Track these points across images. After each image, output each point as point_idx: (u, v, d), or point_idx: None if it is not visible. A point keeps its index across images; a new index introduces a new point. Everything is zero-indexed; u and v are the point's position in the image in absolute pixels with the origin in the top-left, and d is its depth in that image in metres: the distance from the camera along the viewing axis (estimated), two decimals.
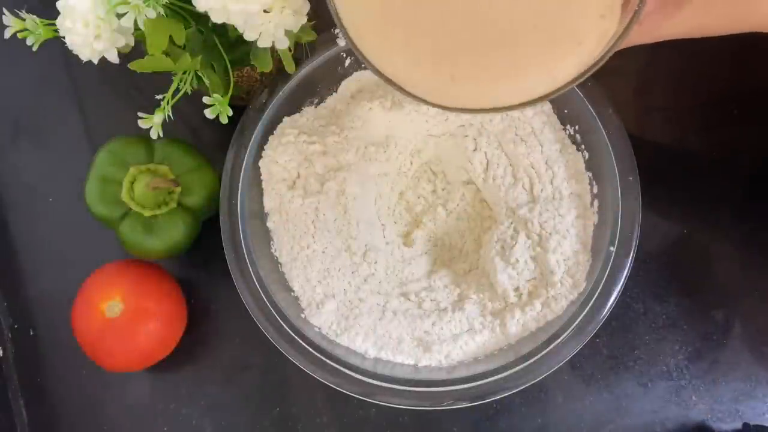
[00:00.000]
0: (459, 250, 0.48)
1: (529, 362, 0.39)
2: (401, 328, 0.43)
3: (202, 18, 0.37)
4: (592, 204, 0.44)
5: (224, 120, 0.39)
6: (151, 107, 0.38)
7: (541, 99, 0.28)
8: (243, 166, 0.44)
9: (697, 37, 0.33)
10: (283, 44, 0.38)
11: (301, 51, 0.45)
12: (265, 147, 0.45)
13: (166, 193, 0.45)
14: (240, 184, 0.44)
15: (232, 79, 0.39)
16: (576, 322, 0.40)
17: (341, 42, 0.45)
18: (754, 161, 0.50)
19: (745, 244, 0.49)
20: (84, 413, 0.49)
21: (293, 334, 0.41)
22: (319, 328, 0.43)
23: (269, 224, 0.45)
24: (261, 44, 0.37)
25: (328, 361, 0.40)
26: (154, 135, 0.38)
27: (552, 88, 0.27)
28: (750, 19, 0.31)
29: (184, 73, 0.38)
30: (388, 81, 0.29)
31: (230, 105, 0.39)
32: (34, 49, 0.38)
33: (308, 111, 0.47)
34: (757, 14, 0.30)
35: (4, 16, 0.37)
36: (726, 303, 0.47)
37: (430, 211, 0.48)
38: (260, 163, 0.45)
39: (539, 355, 0.39)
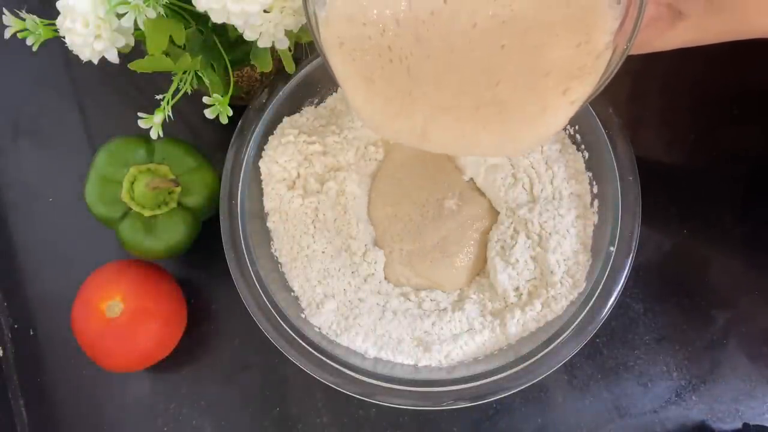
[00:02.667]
0: None
1: (529, 362, 0.39)
2: (401, 328, 0.43)
3: (202, 18, 0.37)
4: (592, 204, 0.44)
5: (224, 120, 0.39)
6: (151, 107, 0.38)
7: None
8: (243, 166, 0.44)
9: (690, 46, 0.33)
10: (283, 44, 0.38)
11: (301, 51, 0.45)
12: (265, 147, 0.45)
13: (166, 193, 0.45)
14: (240, 184, 0.44)
15: (232, 79, 0.39)
16: (576, 322, 0.40)
17: None
18: (754, 161, 0.50)
19: (744, 244, 0.49)
20: (84, 413, 0.49)
21: (293, 334, 0.41)
22: (319, 328, 0.43)
23: (269, 224, 0.45)
24: (261, 44, 0.37)
25: (328, 361, 0.40)
26: (154, 135, 0.38)
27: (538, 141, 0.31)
28: (743, 30, 0.31)
29: (184, 73, 0.38)
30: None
31: (230, 105, 0.39)
32: (34, 49, 0.38)
33: (308, 111, 0.47)
34: (750, 25, 0.31)
35: (4, 16, 0.37)
36: (726, 303, 0.47)
37: None
38: (260, 163, 0.45)
39: (539, 355, 0.39)
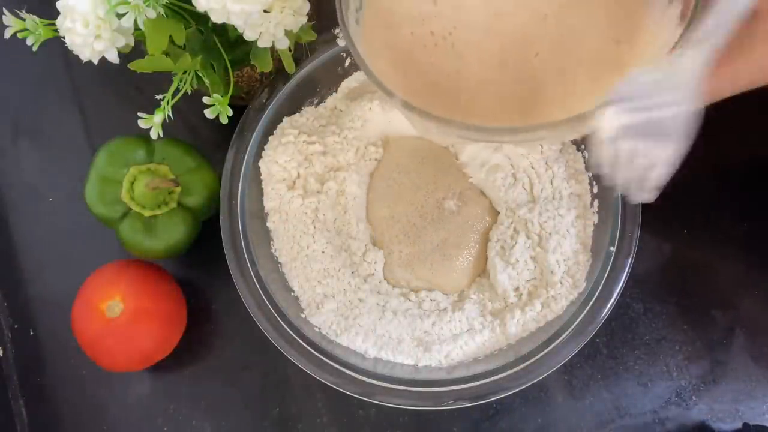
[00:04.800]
0: None
1: (529, 362, 0.39)
2: (401, 328, 0.43)
3: (202, 18, 0.37)
4: (592, 204, 0.44)
5: (224, 120, 0.39)
6: (151, 107, 0.38)
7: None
8: (243, 166, 0.44)
9: None
10: (283, 44, 0.38)
11: (301, 51, 0.45)
12: (265, 147, 0.45)
13: (166, 193, 0.45)
14: (240, 184, 0.44)
15: (232, 79, 0.40)
16: (576, 323, 0.40)
17: (341, 42, 0.45)
18: (754, 161, 0.50)
19: (745, 243, 0.49)
20: (84, 413, 0.49)
21: (293, 334, 0.41)
22: (319, 328, 0.43)
23: (269, 224, 0.45)
24: (261, 44, 0.37)
25: (328, 361, 0.40)
26: (154, 135, 0.38)
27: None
28: None
29: (184, 73, 0.38)
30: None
31: (230, 105, 0.39)
32: (34, 49, 0.38)
33: (308, 111, 0.47)
34: None
35: (4, 16, 0.37)
36: (726, 303, 0.47)
37: None
38: (260, 163, 0.45)
39: (539, 355, 0.39)
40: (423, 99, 0.30)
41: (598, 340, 0.47)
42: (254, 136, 0.44)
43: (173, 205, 0.45)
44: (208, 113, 0.39)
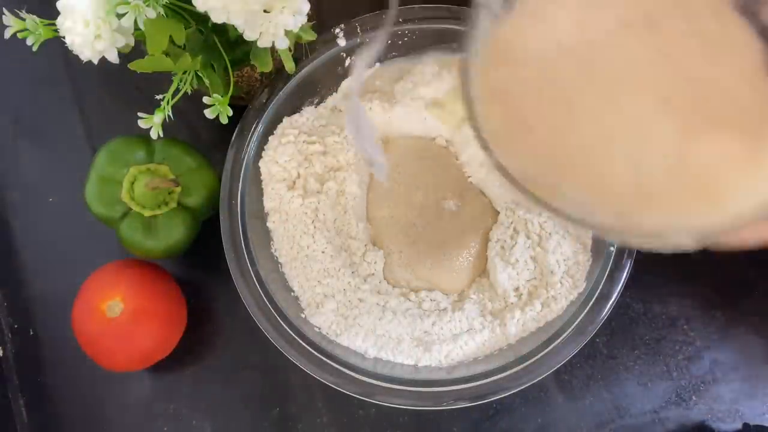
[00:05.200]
0: None
1: (529, 362, 0.39)
2: (401, 328, 0.43)
3: (202, 18, 0.37)
4: None
5: (224, 120, 0.39)
6: (151, 107, 0.38)
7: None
8: (243, 166, 0.44)
9: None
10: (283, 44, 0.38)
11: (301, 51, 0.45)
12: (265, 147, 0.45)
13: (166, 193, 0.45)
14: (240, 184, 0.44)
15: (232, 79, 0.40)
16: (576, 323, 0.40)
17: (341, 42, 0.45)
18: None
19: None
20: (84, 413, 0.49)
21: (293, 334, 0.41)
22: (319, 328, 0.43)
23: (269, 224, 0.45)
24: (261, 44, 0.37)
25: (328, 361, 0.40)
26: (154, 135, 0.38)
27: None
28: None
29: (184, 73, 0.38)
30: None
31: (230, 105, 0.39)
32: (34, 49, 0.38)
33: (308, 111, 0.47)
34: None
35: (4, 16, 0.37)
36: (726, 302, 0.47)
37: None
38: (260, 163, 0.45)
39: (539, 355, 0.39)
40: (519, 153, 0.27)
41: (598, 340, 0.47)
42: (254, 136, 0.44)
43: (173, 205, 0.45)
44: (208, 113, 0.39)
